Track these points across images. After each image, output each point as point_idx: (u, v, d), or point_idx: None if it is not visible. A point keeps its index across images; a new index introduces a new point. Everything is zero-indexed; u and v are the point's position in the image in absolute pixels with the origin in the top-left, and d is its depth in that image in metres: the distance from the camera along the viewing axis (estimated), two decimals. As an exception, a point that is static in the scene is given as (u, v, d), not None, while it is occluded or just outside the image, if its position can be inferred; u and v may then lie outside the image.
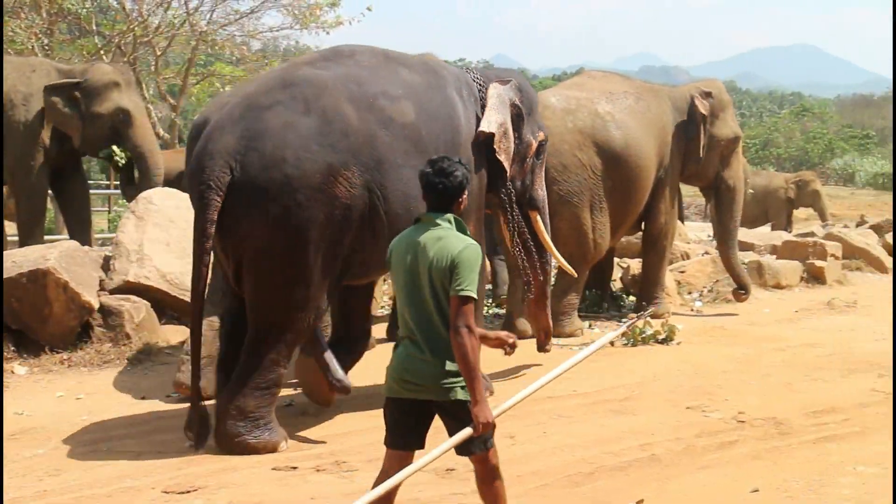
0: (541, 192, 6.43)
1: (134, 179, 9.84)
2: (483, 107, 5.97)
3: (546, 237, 6.44)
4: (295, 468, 4.74)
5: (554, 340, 7.20)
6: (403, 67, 5.79)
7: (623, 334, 6.35)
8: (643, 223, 8.94)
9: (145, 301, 7.40)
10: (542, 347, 6.68)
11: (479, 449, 3.51)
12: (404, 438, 3.57)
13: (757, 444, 5.12)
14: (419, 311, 3.52)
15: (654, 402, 5.97)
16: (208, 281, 5.13)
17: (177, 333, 7.46)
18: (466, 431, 3.41)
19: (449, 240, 3.50)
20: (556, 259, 6.76)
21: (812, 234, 13.57)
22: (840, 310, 9.41)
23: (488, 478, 3.57)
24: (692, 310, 9.33)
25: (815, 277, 10.97)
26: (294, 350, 5.31)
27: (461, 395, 3.45)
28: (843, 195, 36.57)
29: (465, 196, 3.61)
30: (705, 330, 8.35)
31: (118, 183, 11.17)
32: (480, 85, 6.12)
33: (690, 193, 30.00)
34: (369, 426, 5.20)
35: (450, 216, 3.59)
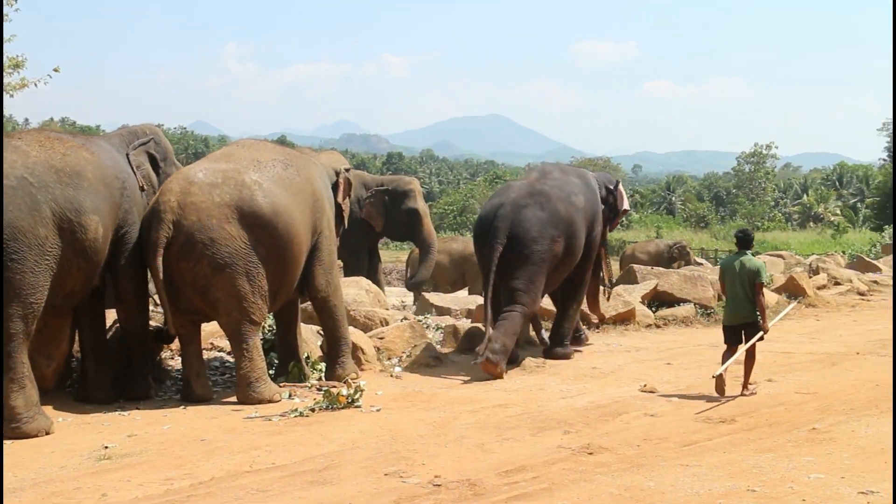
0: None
1: None
2: (608, 194, 11.60)
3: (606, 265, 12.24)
4: None
5: (250, 409, 7.81)
6: (572, 175, 11.11)
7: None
8: (306, 287, 9.01)
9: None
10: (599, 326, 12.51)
11: (759, 340, 8.58)
12: (731, 340, 8.60)
13: (452, 506, 5.24)
14: (739, 291, 8.50)
15: (352, 470, 5.98)
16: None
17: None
18: (760, 334, 8.52)
19: (752, 260, 8.55)
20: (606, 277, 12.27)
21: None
22: (530, 370, 9.82)
23: (752, 355, 8.60)
24: (391, 375, 9.44)
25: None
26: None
27: (751, 319, 8.48)
28: (534, 259, 38.49)
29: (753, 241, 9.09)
30: (404, 395, 8.49)
31: None
32: (601, 182, 11.59)
33: (391, 259, 30.72)
34: None
35: (749, 251, 8.70)
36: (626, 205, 11.76)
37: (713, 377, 8.25)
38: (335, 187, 9.65)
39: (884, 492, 5.47)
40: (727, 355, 8.51)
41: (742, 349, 8.45)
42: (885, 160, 67.10)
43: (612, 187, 11.63)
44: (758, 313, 8.47)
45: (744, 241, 8.73)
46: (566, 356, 10.59)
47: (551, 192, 10.36)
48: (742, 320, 8.54)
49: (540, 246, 9.96)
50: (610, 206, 11.62)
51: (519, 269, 9.93)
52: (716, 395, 8.39)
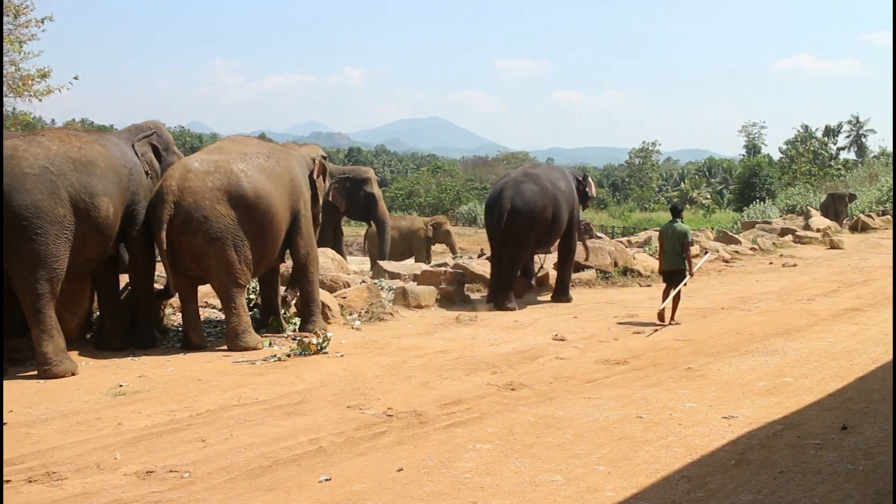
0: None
1: None
2: (578, 183, 12.44)
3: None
4: (9, 481, 4.30)
5: (237, 355, 7.70)
6: (554, 169, 12.07)
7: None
8: (290, 254, 8.94)
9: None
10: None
11: (684, 285, 9.63)
12: (668, 282, 9.61)
13: (402, 432, 5.26)
14: (670, 248, 9.57)
15: (321, 404, 5.97)
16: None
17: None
18: (688, 278, 9.60)
19: (682, 225, 9.61)
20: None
21: (445, 265, 13.98)
22: (465, 323, 9.82)
23: (679, 296, 9.55)
24: (353, 328, 9.39)
25: (447, 299, 11.36)
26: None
27: (680, 267, 9.55)
28: (468, 233, 38.54)
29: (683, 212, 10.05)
30: (363, 343, 8.44)
31: None
32: (573, 175, 12.37)
33: (352, 234, 30.51)
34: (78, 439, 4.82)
35: (680, 219, 9.69)
36: (594, 191, 12.95)
37: (658, 311, 9.40)
38: (313, 170, 9.47)
39: (741, 416, 5.61)
40: (665, 294, 9.60)
41: (677, 289, 9.47)
42: (743, 155, 68.26)
43: (581, 178, 12.63)
44: (685, 263, 9.57)
45: (676, 212, 9.84)
46: (568, 300, 11.61)
47: (540, 174, 11.48)
48: (674, 268, 9.60)
49: (538, 213, 10.93)
50: (581, 191, 12.54)
51: (523, 235, 10.98)
52: (612, 341, 8.51)
